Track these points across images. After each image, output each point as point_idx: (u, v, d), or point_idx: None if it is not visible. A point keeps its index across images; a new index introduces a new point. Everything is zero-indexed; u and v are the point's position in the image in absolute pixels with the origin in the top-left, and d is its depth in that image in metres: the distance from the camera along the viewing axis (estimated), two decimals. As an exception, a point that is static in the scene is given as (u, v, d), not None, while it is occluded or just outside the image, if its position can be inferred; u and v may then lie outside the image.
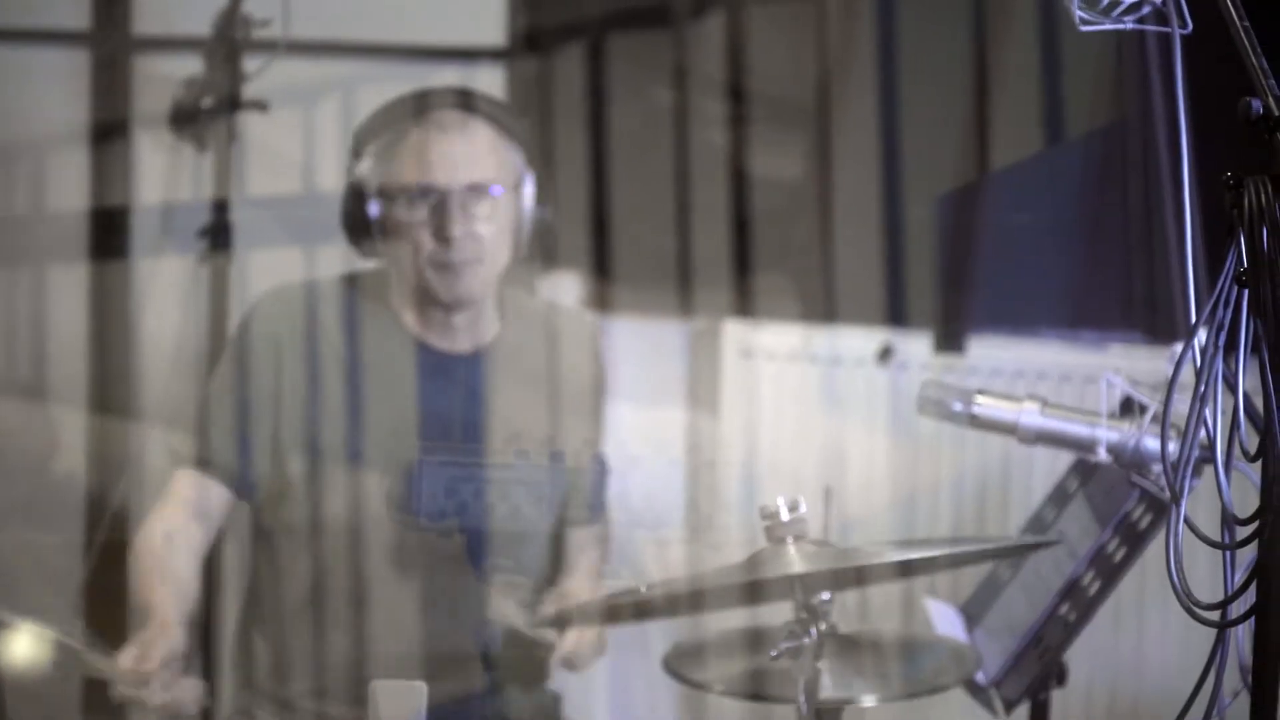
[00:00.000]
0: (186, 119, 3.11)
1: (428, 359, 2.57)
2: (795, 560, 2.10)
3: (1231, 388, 1.53)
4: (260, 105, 3.18)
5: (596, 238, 3.47)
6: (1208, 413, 1.51)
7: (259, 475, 2.55)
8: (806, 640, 2.12)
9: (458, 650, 2.57)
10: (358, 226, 2.56)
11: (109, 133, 3.58)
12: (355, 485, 2.54)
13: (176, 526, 2.51)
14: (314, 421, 2.55)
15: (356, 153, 2.56)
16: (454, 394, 2.58)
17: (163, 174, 3.58)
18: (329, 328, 2.59)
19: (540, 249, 2.60)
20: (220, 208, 3.16)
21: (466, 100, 2.54)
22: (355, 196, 2.55)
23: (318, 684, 2.57)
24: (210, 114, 3.10)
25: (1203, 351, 1.50)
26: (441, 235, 2.49)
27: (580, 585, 2.59)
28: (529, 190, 2.55)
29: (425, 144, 2.51)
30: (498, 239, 2.52)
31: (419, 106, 2.54)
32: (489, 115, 2.54)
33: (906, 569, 2.24)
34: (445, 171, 2.49)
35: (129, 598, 2.51)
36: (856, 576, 2.14)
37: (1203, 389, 1.49)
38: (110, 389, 3.57)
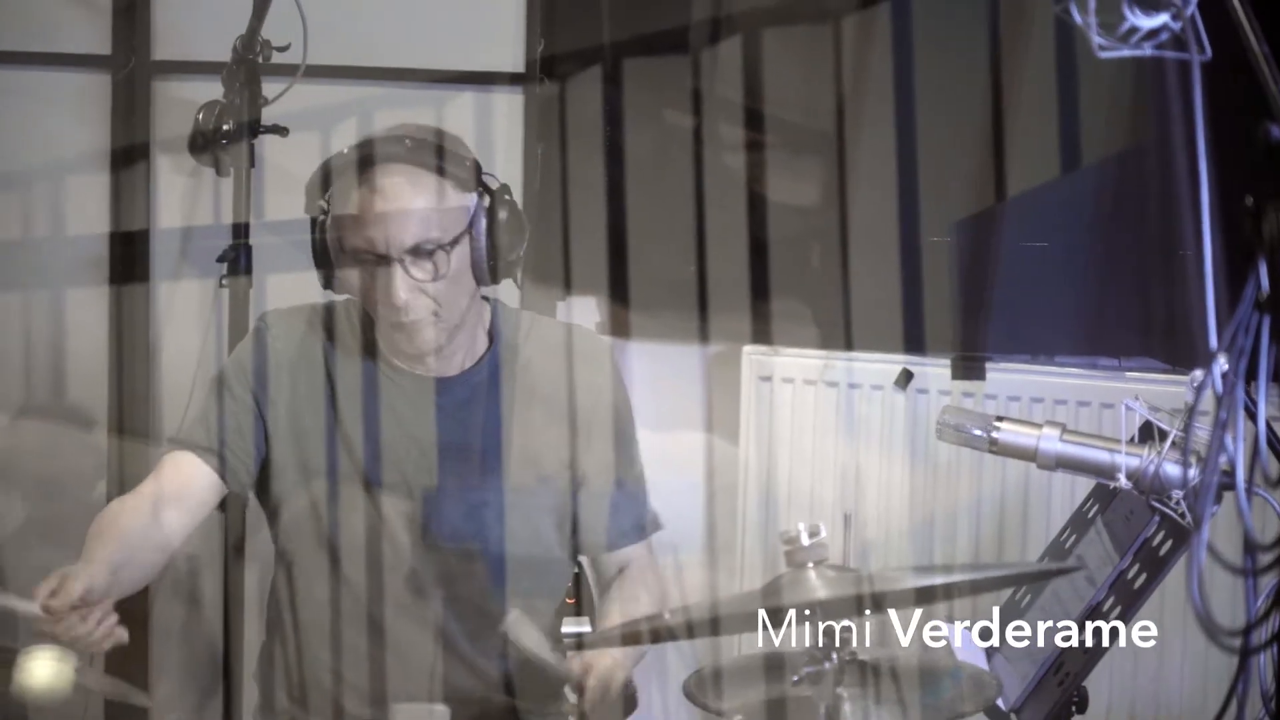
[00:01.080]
0: (206, 143, 3.12)
1: (407, 384, 2.55)
2: (816, 586, 2.10)
3: (1253, 414, 1.53)
4: (279, 130, 3.19)
5: (614, 263, 3.48)
6: (1228, 438, 1.50)
7: (246, 467, 2.54)
8: (827, 666, 2.11)
9: (478, 674, 2.57)
10: (324, 269, 2.53)
11: (129, 157, 3.60)
12: (339, 505, 2.54)
13: (141, 497, 2.48)
14: (302, 441, 2.54)
15: (308, 208, 2.53)
16: (427, 417, 2.54)
17: (182, 198, 3.59)
18: (325, 349, 2.59)
19: (502, 273, 2.51)
20: (239, 231, 3.17)
21: (407, 152, 2.46)
22: (316, 242, 2.52)
23: (338, 707, 2.57)
24: (229, 138, 3.11)
25: (1223, 378, 1.49)
26: (388, 301, 2.45)
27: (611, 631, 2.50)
28: (481, 227, 2.48)
29: (366, 209, 2.45)
30: (451, 288, 2.47)
31: (362, 160, 2.47)
32: (427, 165, 2.46)
33: (926, 595, 2.24)
34: (385, 239, 2.43)
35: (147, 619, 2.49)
36: (876, 602, 2.13)
37: (1223, 415, 1.49)
38: (130, 411, 3.58)
